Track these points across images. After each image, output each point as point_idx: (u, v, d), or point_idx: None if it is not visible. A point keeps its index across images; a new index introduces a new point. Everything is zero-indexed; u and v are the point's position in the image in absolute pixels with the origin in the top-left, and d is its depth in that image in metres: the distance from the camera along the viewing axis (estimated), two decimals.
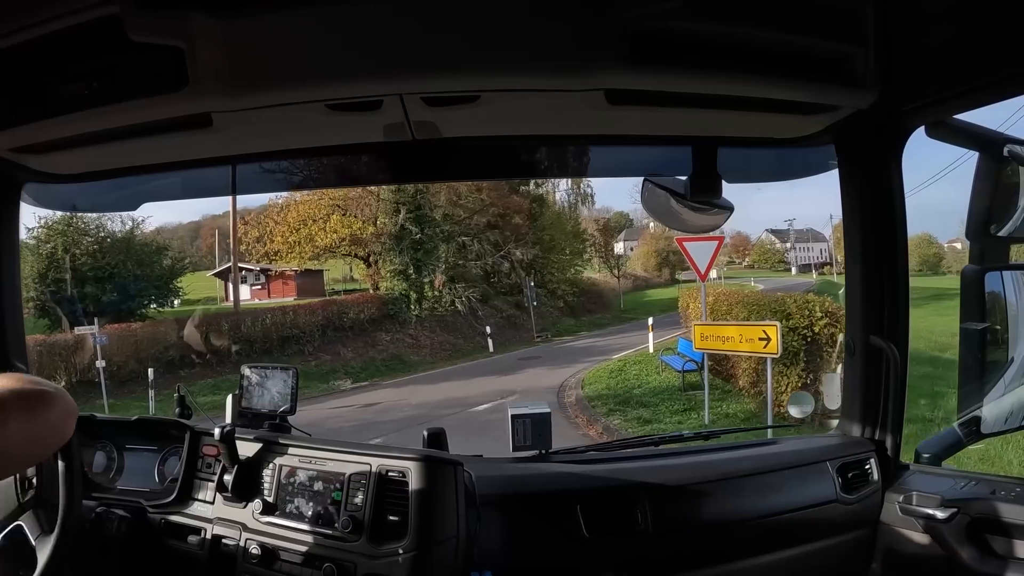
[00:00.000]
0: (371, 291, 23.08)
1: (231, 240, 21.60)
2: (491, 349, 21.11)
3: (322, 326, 19.55)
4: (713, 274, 32.60)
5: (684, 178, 1.86)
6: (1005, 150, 1.80)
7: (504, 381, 15.15)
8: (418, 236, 22.17)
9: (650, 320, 18.40)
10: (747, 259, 41.00)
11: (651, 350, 16.30)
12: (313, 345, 19.06)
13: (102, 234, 19.43)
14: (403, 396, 14.82)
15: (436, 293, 22.56)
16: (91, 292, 18.38)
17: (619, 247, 29.20)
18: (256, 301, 24.88)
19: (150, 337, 16.85)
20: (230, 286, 25.22)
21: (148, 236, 20.79)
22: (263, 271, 26.47)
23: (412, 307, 22.04)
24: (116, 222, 20.01)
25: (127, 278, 19.07)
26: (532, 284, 23.95)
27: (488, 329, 21.64)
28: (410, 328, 21.51)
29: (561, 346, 21.34)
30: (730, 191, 1.87)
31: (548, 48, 1.30)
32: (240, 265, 23.84)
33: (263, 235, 22.69)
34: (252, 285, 26.85)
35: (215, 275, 29.15)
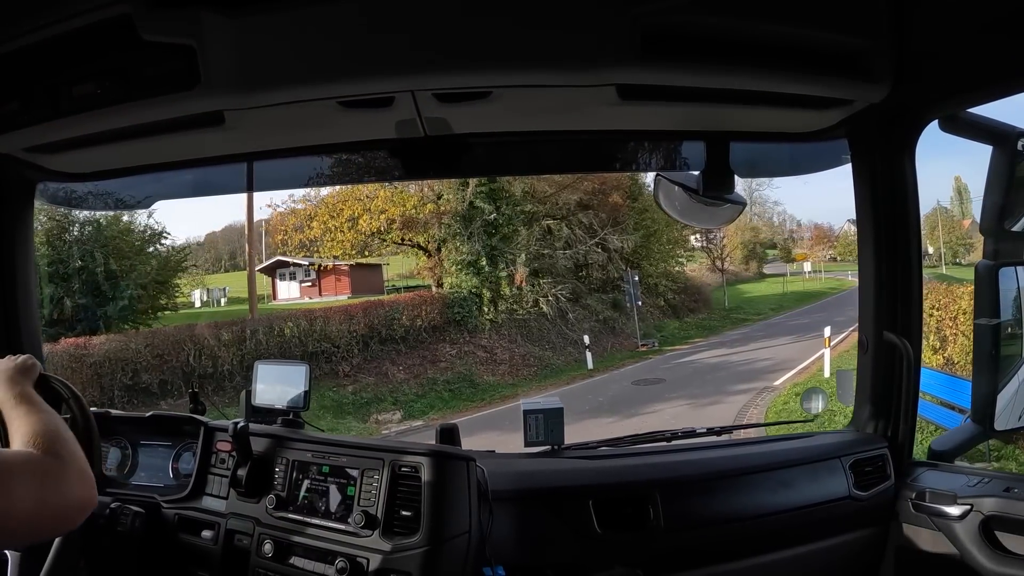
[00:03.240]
0: (432, 289, 17.93)
1: (247, 236, 18.59)
2: (590, 365, 16.04)
3: (363, 337, 14.76)
4: (807, 267, 30.75)
5: (696, 173, 1.86)
6: (1020, 144, 1.78)
7: (631, 431, 8.71)
8: (492, 216, 16.89)
9: (826, 331, 13.27)
10: (830, 252, 37.99)
11: (827, 373, 12.69)
12: (350, 363, 14.39)
13: (72, 218, 14.42)
14: None
15: (516, 291, 17.35)
16: (56, 294, 13.86)
17: (693, 239, 24.94)
18: (306, 299, 21.76)
19: (117, 357, 12.18)
20: (278, 284, 23.92)
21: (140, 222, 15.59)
22: (311, 265, 22.29)
23: (485, 309, 16.84)
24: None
25: (97, 275, 14.42)
26: (636, 279, 18.57)
27: (586, 339, 16.69)
28: (482, 337, 16.44)
29: (681, 361, 16.28)
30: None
31: (559, 44, 1.30)
32: (287, 260, 21.95)
33: (301, 222, 18.08)
34: (301, 281, 23.65)
35: (261, 271, 23.71)
